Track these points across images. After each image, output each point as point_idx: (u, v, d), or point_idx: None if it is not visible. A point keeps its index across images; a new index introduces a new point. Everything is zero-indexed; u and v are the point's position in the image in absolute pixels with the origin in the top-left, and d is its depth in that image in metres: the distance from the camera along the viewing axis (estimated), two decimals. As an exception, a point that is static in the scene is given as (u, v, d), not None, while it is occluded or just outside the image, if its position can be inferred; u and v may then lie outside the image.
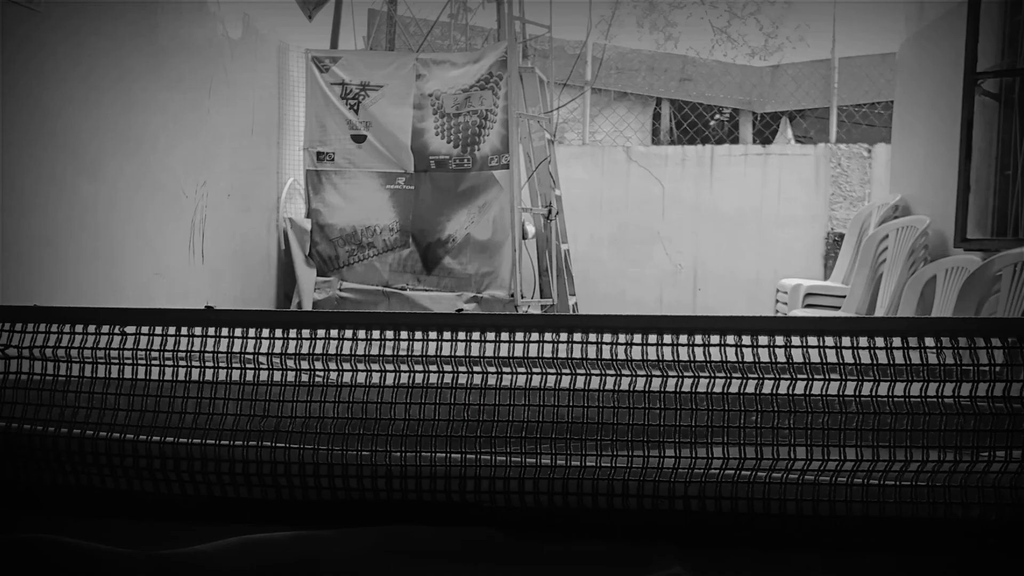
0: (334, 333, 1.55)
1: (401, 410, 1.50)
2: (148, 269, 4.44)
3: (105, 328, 1.62)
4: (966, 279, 3.69)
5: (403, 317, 1.59)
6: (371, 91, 5.94)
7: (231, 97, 5.32)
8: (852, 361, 1.40)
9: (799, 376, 1.41)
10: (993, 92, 4.42)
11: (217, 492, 1.54)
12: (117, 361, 1.60)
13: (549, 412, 1.47)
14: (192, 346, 1.57)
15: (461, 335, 1.51)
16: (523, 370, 1.48)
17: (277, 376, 1.55)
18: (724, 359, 1.43)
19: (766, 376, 1.42)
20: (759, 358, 1.42)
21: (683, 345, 1.45)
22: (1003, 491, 1.39)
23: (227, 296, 5.26)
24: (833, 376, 1.41)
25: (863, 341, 1.41)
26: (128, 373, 1.59)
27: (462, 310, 5.48)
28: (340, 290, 5.97)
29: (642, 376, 1.45)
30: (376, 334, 1.54)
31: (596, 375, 1.47)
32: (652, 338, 1.46)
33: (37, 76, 3.57)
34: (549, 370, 1.48)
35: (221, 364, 1.57)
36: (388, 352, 1.53)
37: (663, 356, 1.45)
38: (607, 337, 1.47)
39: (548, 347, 1.48)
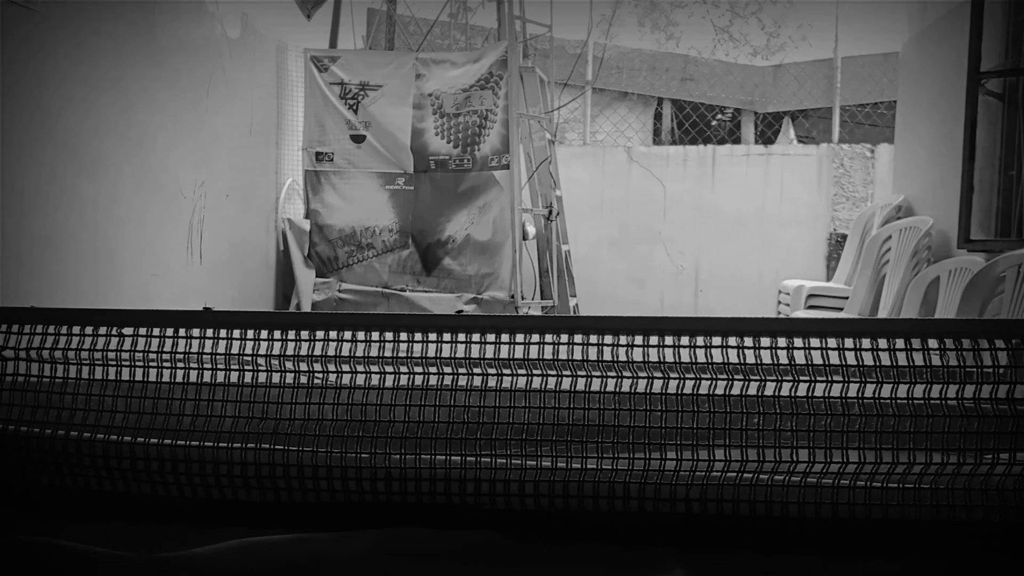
0: (333, 335, 1.55)
1: (401, 412, 1.49)
2: (146, 270, 4.43)
3: (102, 330, 1.61)
4: (970, 280, 3.67)
5: (402, 319, 1.58)
6: (370, 91, 5.93)
7: (229, 97, 5.31)
8: (855, 363, 1.40)
9: (801, 378, 1.40)
10: (997, 92, 4.41)
11: (215, 495, 1.54)
12: (115, 363, 1.59)
13: (550, 414, 1.46)
14: (190, 348, 1.57)
15: (461, 337, 1.51)
16: (523, 372, 1.48)
17: (276, 378, 1.55)
18: (726, 361, 1.42)
19: (768, 378, 1.41)
20: (761, 360, 1.41)
21: (684, 347, 1.44)
22: (1006, 494, 1.38)
23: (225, 297, 5.25)
24: (836, 378, 1.40)
25: (866, 343, 1.40)
26: (126, 375, 1.59)
27: (462, 311, 5.47)
28: (339, 291, 5.96)
29: (643, 378, 1.44)
30: (375, 336, 1.54)
31: (597, 377, 1.46)
32: (653, 340, 1.45)
33: (37, 76, 3.56)
34: (550, 372, 1.47)
35: (219, 366, 1.56)
36: (387, 354, 1.53)
37: (664, 358, 1.45)
38: (608, 339, 1.47)
39: (549, 349, 1.48)
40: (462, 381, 1.50)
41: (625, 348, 1.45)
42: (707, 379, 1.43)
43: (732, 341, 1.43)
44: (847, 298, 5.27)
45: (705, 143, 7.50)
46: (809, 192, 6.81)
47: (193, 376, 1.56)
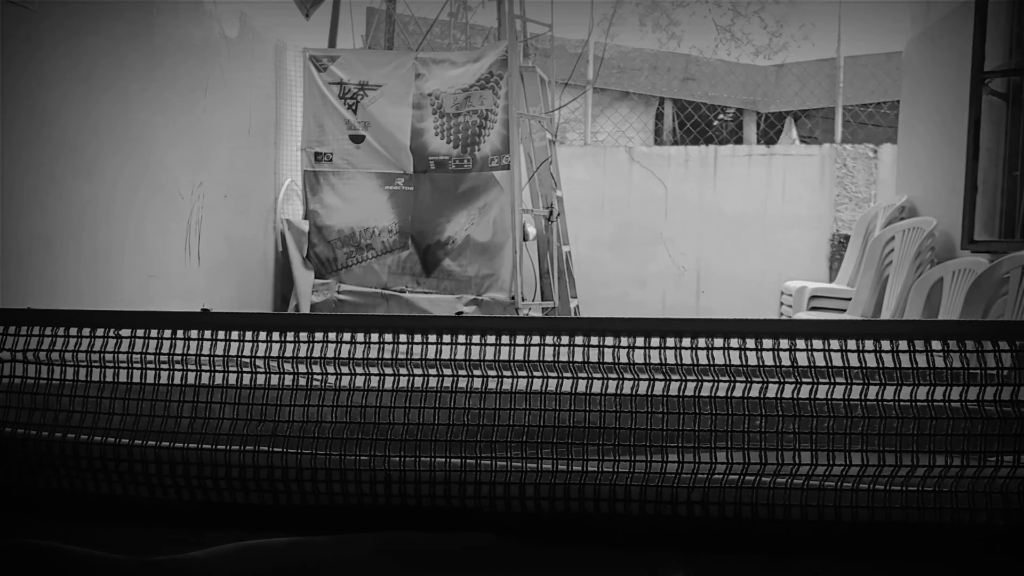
0: (332, 336, 1.54)
1: (400, 414, 1.48)
2: (144, 271, 4.42)
3: (99, 331, 1.60)
4: (973, 281, 3.66)
5: (402, 320, 1.57)
6: (370, 91, 5.91)
7: (228, 97, 5.30)
8: (857, 364, 1.39)
9: (804, 380, 1.40)
10: (1001, 92, 4.39)
11: (213, 497, 1.53)
12: (112, 364, 1.59)
13: (550, 416, 1.46)
14: (188, 349, 1.56)
15: (461, 338, 1.50)
16: (524, 374, 1.47)
17: (274, 380, 1.54)
18: (728, 362, 1.42)
19: (770, 380, 1.41)
20: (763, 361, 1.41)
21: (686, 348, 1.43)
22: (1011, 496, 1.38)
23: (223, 298, 5.24)
24: (838, 380, 1.40)
25: (869, 344, 1.40)
26: (123, 377, 1.58)
27: (462, 313, 5.46)
28: (338, 292, 5.95)
29: (644, 380, 1.44)
30: (375, 337, 1.53)
31: (598, 379, 1.46)
32: (655, 341, 1.44)
33: (36, 76, 3.56)
34: (550, 374, 1.47)
35: (217, 367, 1.55)
36: (387, 355, 1.52)
37: (666, 359, 1.44)
38: (609, 340, 1.46)
39: (549, 350, 1.47)
40: (462, 383, 1.49)
41: (626, 350, 1.45)
42: (709, 381, 1.42)
43: (734, 343, 1.42)
44: (850, 299, 5.26)
45: (707, 143, 7.48)
46: (812, 193, 6.80)
47: (191, 378, 1.56)
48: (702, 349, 1.43)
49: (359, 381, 1.52)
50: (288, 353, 1.54)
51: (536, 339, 1.48)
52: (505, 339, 1.49)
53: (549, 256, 6.10)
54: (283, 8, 5.99)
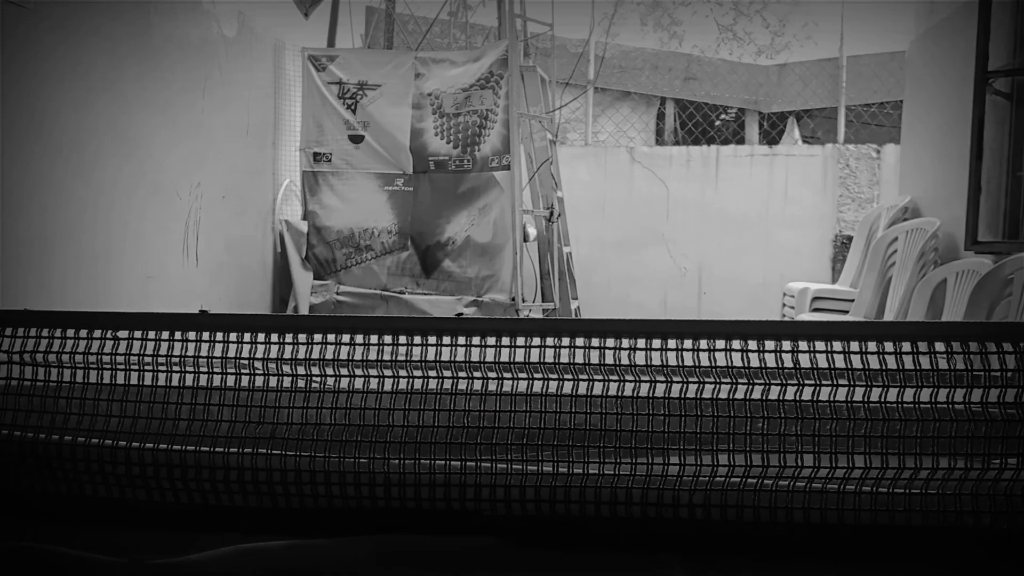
0: (331, 338, 1.53)
1: (400, 416, 1.48)
2: (142, 272, 4.41)
3: (97, 332, 1.59)
4: (977, 283, 3.65)
5: (402, 321, 1.56)
6: (369, 90, 5.90)
7: (226, 97, 5.29)
8: (860, 366, 1.38)
9: (806, 381, 1.39)
10: (1005, 91, 4.38)
11: (212, 500, 1.52)
12: (109, 366, 1.58)
13: (551, 418, 1.45)
14: (186, 351, 1.55)
15: (461, 340, 1.50)
16: (524, 375, 1.47)
17: (273, 382, 1.53)
18: (730, 364, 1.41)
19: (772, 382, 1.40)
20: (765, 363, 1.40)
21: (688, 350, 1.42)
22: (1014, 499, 1.37)
23: (222, 300, 5.23)
24: (841, 381, 1.40)
25: (872, 346, 1.39)
26: (120, 378, 1.57)
27: (462, 314, 5.45)
28: (337, 294, 5.94)
29: (646, 382, 1.43)
30: (374, 339, 1.52)
31: (599, 381, 1.45)
32: (656, 343, 1.44)
33: (34, 77, 3.55)
34: (551, 375, 1.46)
35: (215, 369, 1.55)
36: (386, 357, 1.51)
37: (667, 361, 1.43)
38: (610, 342, 1.45)
39: (550, 352, 1.47)
40: (462, 385, 1.48)
41: (627, 351, 1.44)
42: (711, 383, 1.41)
43: (736, 344, 1.41)
44: (853, 300, 5.25)
45: (709, 143, 7.48)
46: (814, 193, 6.79)
47: (189, 380, 1.55)
48: (704, 351, 1.42)
49: (358, 383, 1.51)
50: (287, 355, 1.53)
51: (537, 341, 1.47)
52: (505, 341, 1.48)
53: (550, 257, 6.09)
54: (282, 8, 5.98)
